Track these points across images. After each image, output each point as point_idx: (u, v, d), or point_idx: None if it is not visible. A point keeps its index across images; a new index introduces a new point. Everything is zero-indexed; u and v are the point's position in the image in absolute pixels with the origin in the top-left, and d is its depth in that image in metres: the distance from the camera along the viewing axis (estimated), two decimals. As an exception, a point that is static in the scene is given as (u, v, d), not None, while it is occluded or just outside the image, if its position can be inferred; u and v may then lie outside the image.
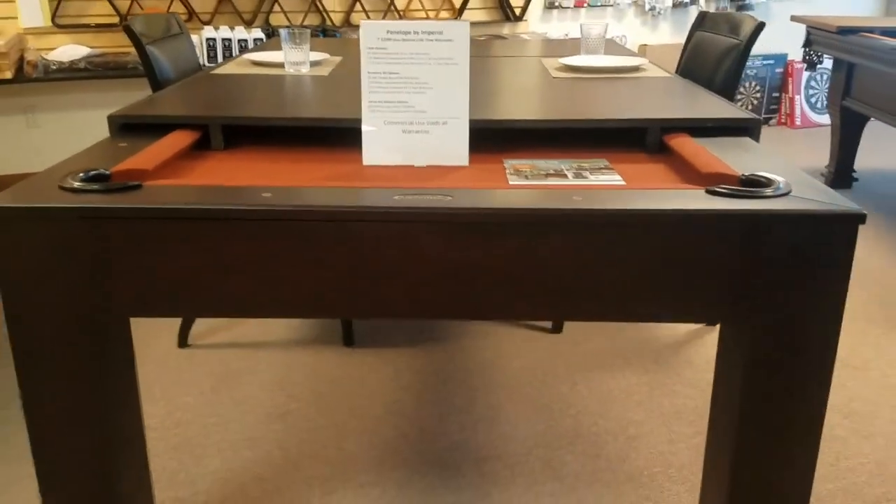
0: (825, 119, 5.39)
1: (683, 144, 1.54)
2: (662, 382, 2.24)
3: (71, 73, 3.67)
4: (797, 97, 5.41)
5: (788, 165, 1.38)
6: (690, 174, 1.42)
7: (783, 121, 5.50)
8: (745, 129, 1.63)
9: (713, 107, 1.74)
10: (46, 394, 1.28)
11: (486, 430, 2.02)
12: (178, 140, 1.57)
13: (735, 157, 1.45)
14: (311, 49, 2.43)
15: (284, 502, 1.75)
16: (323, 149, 1.63)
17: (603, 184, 1.39)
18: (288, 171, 1.49)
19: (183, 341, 2.44)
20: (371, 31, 1.50)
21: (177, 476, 1.84)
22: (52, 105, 3.92)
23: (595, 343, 2.46)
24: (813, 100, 5.45)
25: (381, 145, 1.52)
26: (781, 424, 1.30)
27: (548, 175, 1.48)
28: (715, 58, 2.38)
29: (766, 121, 5.50)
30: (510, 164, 1.56)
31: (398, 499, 1.77)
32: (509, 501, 1.76)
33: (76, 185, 1.25)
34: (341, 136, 1.64)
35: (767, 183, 1.27)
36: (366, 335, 2.51)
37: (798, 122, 5.43)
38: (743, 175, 1.31)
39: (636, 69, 2.24)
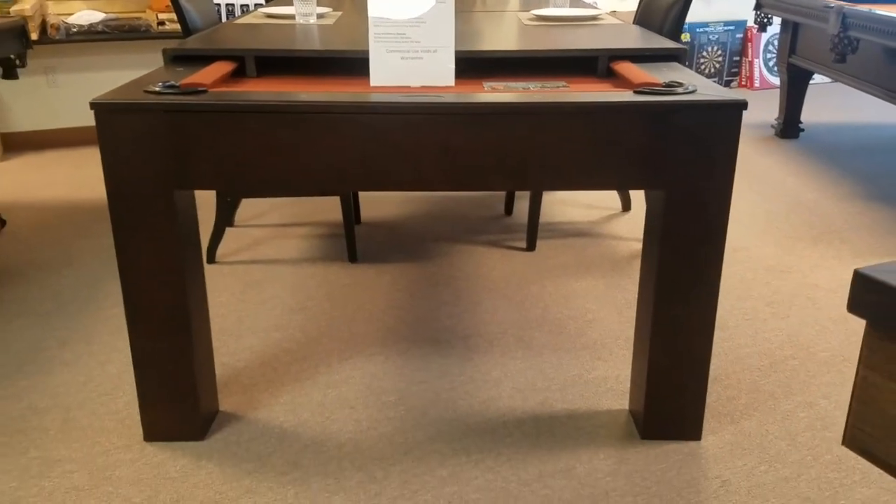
0: (781, 80, 5.82)
1: (625, 68, 1.95)
2: (616, 283, 2.67)
3: (90, 36, 4.03)
4: (756, 60, 5.85)
5: (701, 78, 1.79)
6: (627, 85, 1.84)
7: (743, 83, 5.94)
8: (675, 56, 2.04)
9: (651, 40, 2.15)
10: (135, 245, 1.68)
11: (470, 317, 2.44)
12: (221, 67, 1.96)
13: (664, 74, 1.86)
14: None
15: (309, 366, 2.16)
16: (336, 77, 2.03)
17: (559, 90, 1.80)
18: (311, 90, 1.89)
19: (211, 258, 2.85)
20: (376, -22, 1.89)
21: (220, 350, 2.25)
22: (71, 66, 4.28)
23: (562, 258, 2.89)
24: (770, 63, 5.89)
25: (384, 69, 1.92)
26: (690, 268, 1.72)
27: (518, 91, 1.89)
28: (662, 10, 2.80)
29: (728, 83, 5.94)
30: (488, 84, 1.96)
31: (399, 363, 2.18)
32: (488, 363, 2.18)
33: (158, 89, 1.65)
34: (350, 67, 2.04)
35: (679, 85, 1.68)
36: (367, 254, 2.92)
37: (757, 83, 5.86)
38: (664, 82, 1.73)
39: (595, 18, 2.64)
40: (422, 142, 1.63)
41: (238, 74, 2.02)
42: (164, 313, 1.74)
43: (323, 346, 2.27)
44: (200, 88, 1.68)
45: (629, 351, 2.24)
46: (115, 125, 1.60)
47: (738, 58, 5.91)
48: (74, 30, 4.02)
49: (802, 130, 4.55)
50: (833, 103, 5.32)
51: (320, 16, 2.73)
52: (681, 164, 1.64)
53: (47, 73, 4.26)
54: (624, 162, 1.64)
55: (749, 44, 5.83)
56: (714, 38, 5.79)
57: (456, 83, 1.92)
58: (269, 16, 2.71)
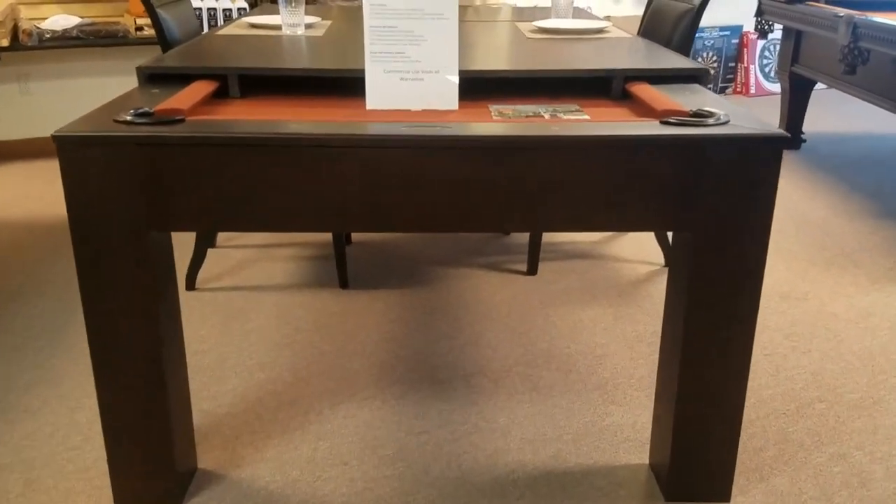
0: (778, 87, 5.69)
1: (643, 90, 1.79)
2: (625, 313, 2.51)
3: (64, 42, 3.82)
4: (752, 67, 5.71)
5: (730, 104, 1.63)
6: (648, 111, 1.67)
7: (739, 90, 5.80)
8: (696, 77, 1.89)
9: (669, 59, 1.99)
10: (103, 294, 1.50)
11: (471, 353, 2.27)
12: (202, 88, 1.78)
13: (686, 98, 1.70)
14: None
15: (298, 412, 1.99)
16: (328, 97, 1.85)
17: (575, 119, 1.63)
18: (301, 115, 1.71)
19: (191, 284, 2.66)
20: (372, -9, 1.72)
21: (200, 393, 2.07)
22: (45, 73, 4.07)
23: (566, 283, 2.72)
24: (767, 69, 5.75)
25: (381, 92, 1.75)
26: (721, 318, 1.56)
27: (527, 116, 1.72)
28: (671, 21, 2.64)
29: (723, 90, 5.80)
30: (494, 108, 1.80)
31: (397, 408, 2.01)
32: (493, 408, 2.01)
33: (129, 118, 1.47)
34: (344, 86, 1.87)
35: (710, 115, 1.52)
36: (359, 278, 2.75)
37: (753, 90, 5.73)
38: (691, 110, 1.57)
39: (601, 31, 2.48)
40: (426, 178, 1.46)
41: (221, 94, 1.84)
42: (135, 369, 1.56)
43: (312, 388, 2.09)
44: (177, 117, 1.50)
45: (643, 393, 2.08)
46: (80, 160, 1.42)
47: (733, 64, 5.77)
48: (48, 35, 3.81)
49: (804, 141, 4.42)
50: (834, 111, 5.18)
51: (308, 26, 2.55)
52: (712, 205, 1.48)
53: (20, 80, 4.04)
54: (649, 201, 1.48)
55: (745, 49, 5.70)
56: (709, 44, 5.65)
57: (459, 106, 1.76)
58: (254, 26, 2.53)
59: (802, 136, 4.39)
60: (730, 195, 1.47)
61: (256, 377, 2.14)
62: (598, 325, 2.43)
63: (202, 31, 2.77)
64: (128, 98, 1.68)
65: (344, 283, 2.69)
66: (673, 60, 1.97)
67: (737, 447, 1.65)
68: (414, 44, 1.75)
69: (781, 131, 1.44)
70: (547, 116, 1.72)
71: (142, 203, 1.45)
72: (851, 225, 3.25)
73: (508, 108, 1.79)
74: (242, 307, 2.54)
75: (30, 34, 3.78)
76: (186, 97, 1.67)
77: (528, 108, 1.79)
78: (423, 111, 1.75)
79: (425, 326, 2.42)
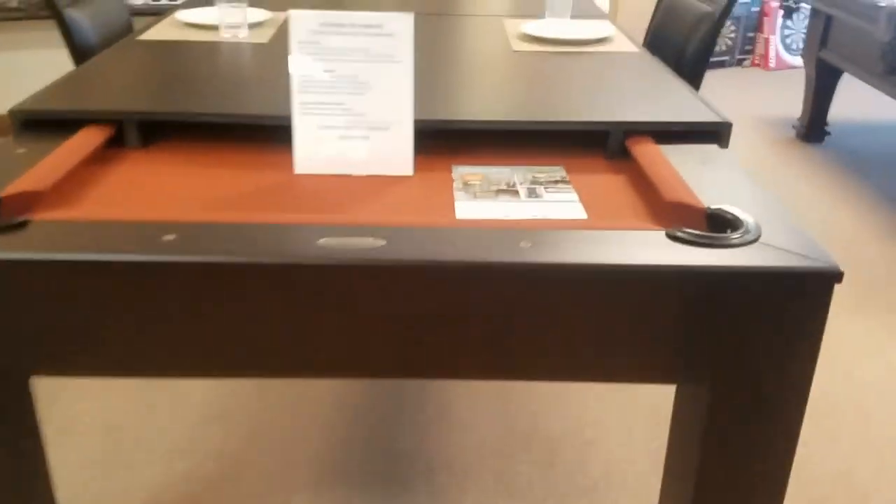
0: (800, 61, 5.23)
1: (646, 153, 1.40)
2: (622, 375, 2.15)
3: (6, 14, 3.41)
4: (772, 38, 5.23)
5: (758, 192, 1.24)
6: (652, 200, 1.29)
7: (758, 62, 5.33)
8: (714, 132, 1.49)
9: (680, 106, 1.58)
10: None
11: (437, 435, 1.92)
12: (87, 141, 1.40)
13: (701, 177, 1.31)
14: (251, 4, 2.22)
15: (218, 524, 1.65)
16: (254, 145, 1.47)
17: (556, 217, 1.24)
18: (210, 180, 1.33)
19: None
20: (302, 24, 1.34)
21: (105, 495, 1.72)
22: (-18, 47, 3.65)
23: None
24: (788, 41, 5.28)
25: (315, 152, 1.37)
26: (746, 473, 1.20)
27: (499, 191, 1.35)
28: (688, 26, 2.21)
29: (740, 62, 5.33)
30: (459, 172, 1.41)
31: (340, 518, 1.68)
32: (457, 519, 1.68)
33: (-49, 224, 1.09)
34: (276, 129, 1.48)
35: (734, 224, 1.14)
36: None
37: (772, 63, 5.26)
38: (709, 209, 1.18)
39: (603, 41, 2.07)
40: (354, 311, 1.08)
41: (118, 139, 1.46)
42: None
43: (237, 492, 1.75)
44: (19, 219, 1.12)
45: (638, 500, 1.74)
46: None
47: (752, 34, 5.29)
48: (-19, 7, 3.39)
49: (828, 133, 3.99)
50: (862, 97, 4.71)
51: (255, 25, 2.13)
52: (734, 354, 1.10)
53: (-46, 54, 3.63)
54: (646, 346, 1.10)
55: (766, 19, 5.21)
56: (728, 12, 5.15)
57: (415, 163, 1.39)
58: (188, 25, 2.12)
59: (826, 128, 3.96)
60: (758, 342, 1.09)
61: (174, 470, 1.79)
62: (589, 394, 2.07)
63: (132, 27, 2.34)
64: (-19, 165, 1.30)
65: (297, 326, 2.33)
66: (685, 109, 1.57)
67: None
68: (357, 93, 1.37)
69: (832, 265, 1.06)
70: (523, 193, 1.34)
71: (-30, 338, 1.08)
72: (883, 244, 2.86)
73: (476, 175, 1.41)
74: (176, 358, 2.18)
75: (-40, 6, 3.35)
76: (54, 166, 1.29)
77: (502, 172, 1.41)
78: (369, 177, 1.37)
79: (387, 392, 2.06)
